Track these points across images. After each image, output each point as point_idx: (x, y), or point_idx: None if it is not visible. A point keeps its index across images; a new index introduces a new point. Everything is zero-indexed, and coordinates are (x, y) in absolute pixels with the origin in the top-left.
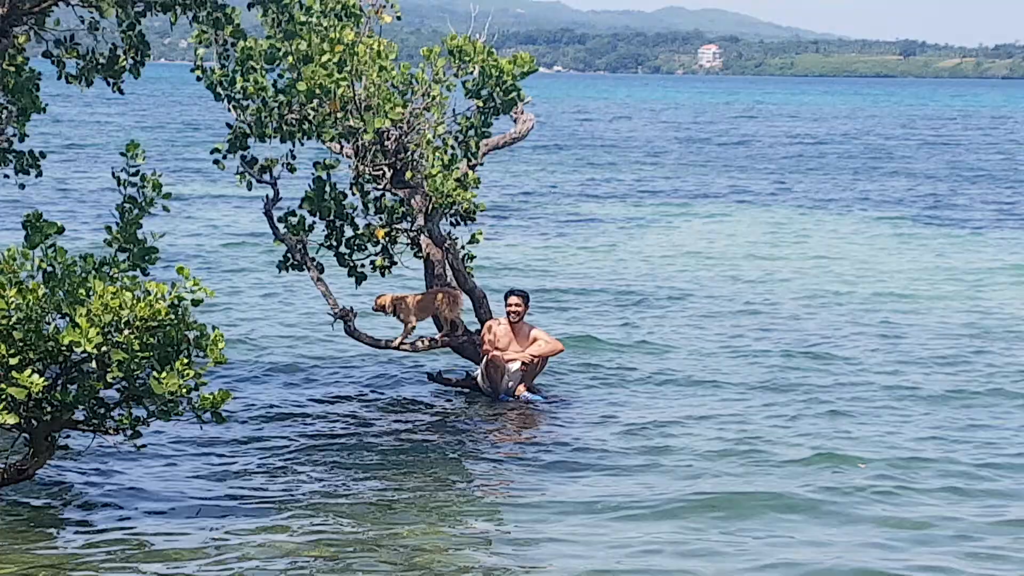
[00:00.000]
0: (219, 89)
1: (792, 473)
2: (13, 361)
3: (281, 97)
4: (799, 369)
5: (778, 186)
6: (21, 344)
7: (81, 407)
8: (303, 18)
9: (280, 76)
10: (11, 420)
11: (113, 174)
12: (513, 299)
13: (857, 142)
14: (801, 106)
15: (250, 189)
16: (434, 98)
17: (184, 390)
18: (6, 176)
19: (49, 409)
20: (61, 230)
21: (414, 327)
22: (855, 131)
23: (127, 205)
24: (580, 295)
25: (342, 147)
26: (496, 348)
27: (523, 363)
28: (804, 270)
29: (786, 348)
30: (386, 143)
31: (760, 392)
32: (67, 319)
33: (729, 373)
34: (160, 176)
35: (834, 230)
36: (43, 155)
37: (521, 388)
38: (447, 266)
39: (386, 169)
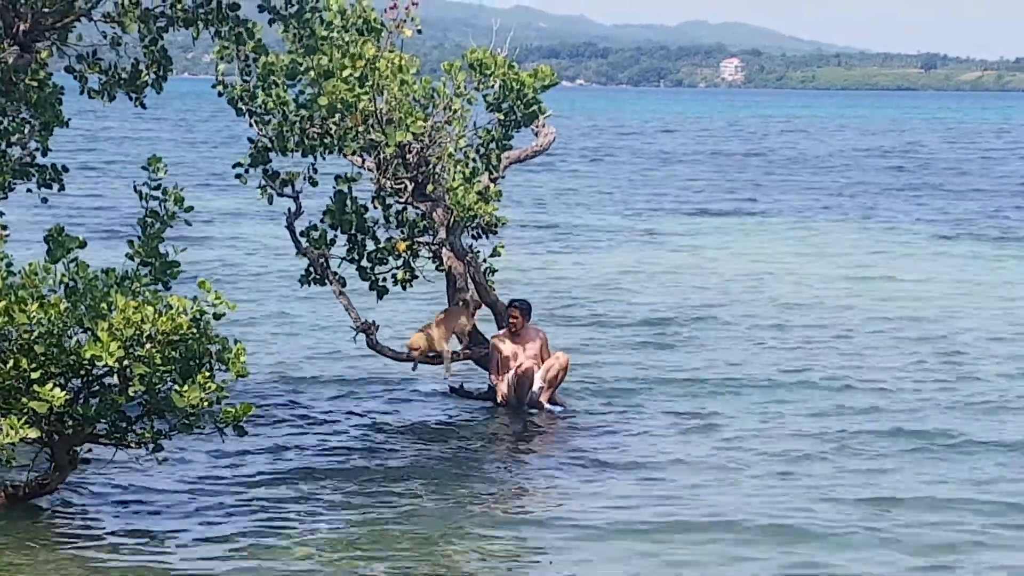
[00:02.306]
0: (240, 104)
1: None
2: (35, 375)
3: (303, 112)
4: (865, 409)
5: (855, 204)
6: (43, 358)
7: (103, 421)
8: (324, 33)
9: (301, 91)
10: (33, 434)
11: (135, 188)
12: (512, 311)
13: (913, 155)
14: (841, 119)
15: (271, 203)
16: (455, 112)
17: (206, 403)
18: (29, 190)
19: (71, 423)
20: (83, 244)
21: (450, 351)
22: (906, 145)
23: (149, 219)
24: (633, 310)
25: (363, 161)
26: (505, 360)
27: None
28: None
29: (854, 378)
30: (408, 156)
31: (810, 417)
32: (89, 333)
33: (774, 399)
34: (182, 190)
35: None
36: (65, 169)
37: (544, 398)
38: (468, 279)
39: (408, 182)
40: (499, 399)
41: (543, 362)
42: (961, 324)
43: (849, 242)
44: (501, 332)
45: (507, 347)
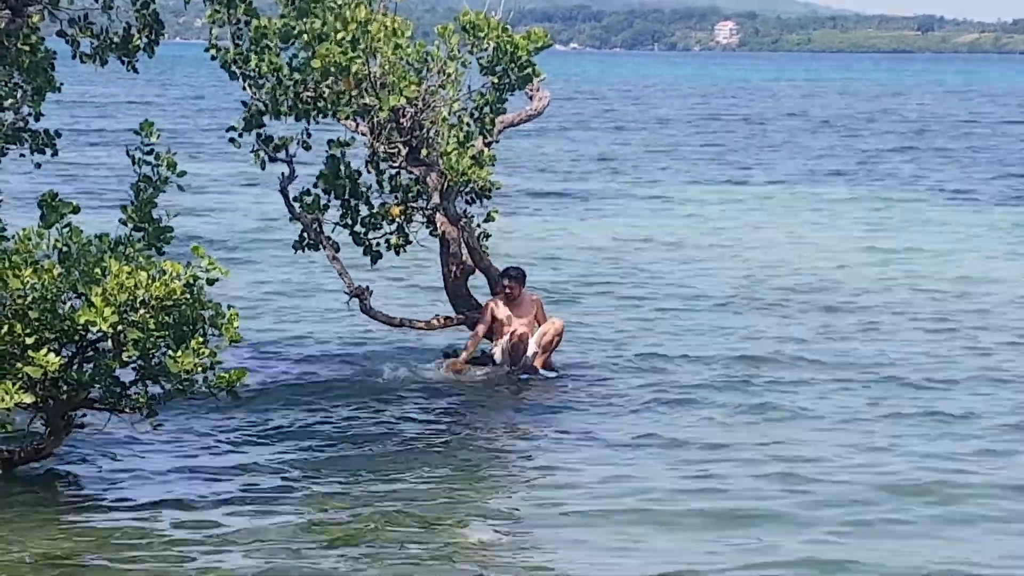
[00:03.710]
0: (234, 68)
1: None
2: (29, 340)
3: (296, 75)
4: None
5: (868, 170)
6: (37, 323)
7: (97, 386)
8: None
9: (295, 55)
10: (27, 399)
11: (128, 153)
12: (505, 281)
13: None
14: (844, 82)
15: (264, 168)
16: (449, 75)
17: (199, 368)
18: (22, 155)
19: (65, 388)
20: (77, 209)
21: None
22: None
23: (142, 184)
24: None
25: (357, 125)
26: (495, 327)
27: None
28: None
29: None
30: (401, 121)
31: (815, 385)
32: (83, 299)
33: (772, 368)
34: (174, 155)
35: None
36: (58, 134)
37: (539, 363)
38: (462, 245)
39: (401, 147)
40: (498, 359)
41: (538, 327)
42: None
43: (864, 209)
44: (496, 297)
45: (501, 312)
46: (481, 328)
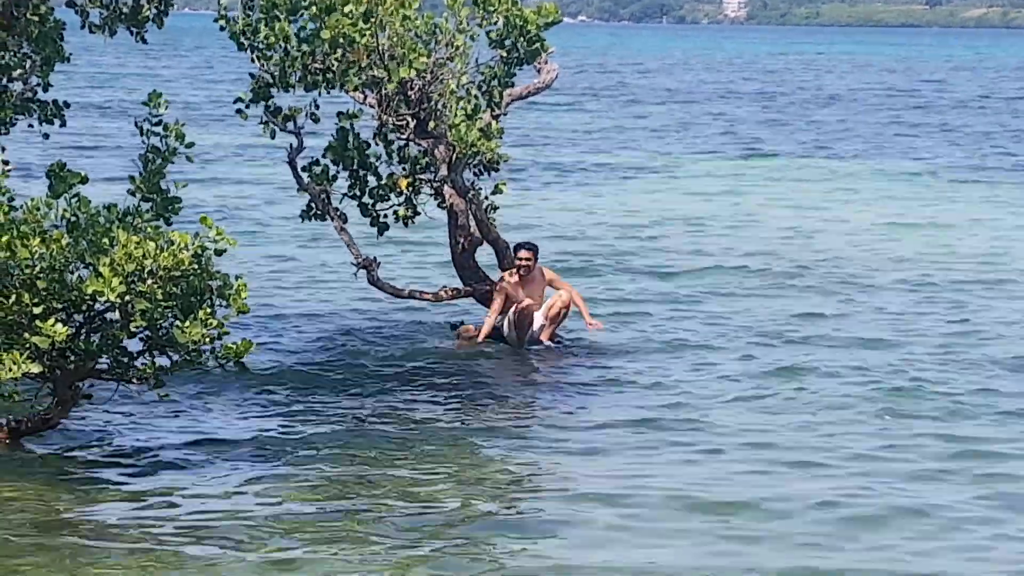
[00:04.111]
0: (242, 39)
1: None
2: (37, 310)
3: (304, 47)
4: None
5: (885, 144)
6: (45, 293)
7: (105, 356)
8: None
9: (303, 26)
10: (35, 369)
11: (136, 124)
12: (523, 253)
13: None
14: (857, 55)
15: (273, 138)
16: (458, 48)
17: (207, 339)
18: (30, 126)
19: (72, 358)
20: (85, 179)
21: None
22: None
23: (150, 155)
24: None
25: (365, 97)
26: (508, 300)
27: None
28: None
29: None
30: (410, 93)
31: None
32: (91, 268)
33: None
34: (183, 126)
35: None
36: (67, 104)
37: (545, 336)
38: (470, 217)
39: (409, 119)
40: (505, 332)
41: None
42: None
43: (883, 184)
44: (509, 272)
45: (512, 284)
46: (497, 303)
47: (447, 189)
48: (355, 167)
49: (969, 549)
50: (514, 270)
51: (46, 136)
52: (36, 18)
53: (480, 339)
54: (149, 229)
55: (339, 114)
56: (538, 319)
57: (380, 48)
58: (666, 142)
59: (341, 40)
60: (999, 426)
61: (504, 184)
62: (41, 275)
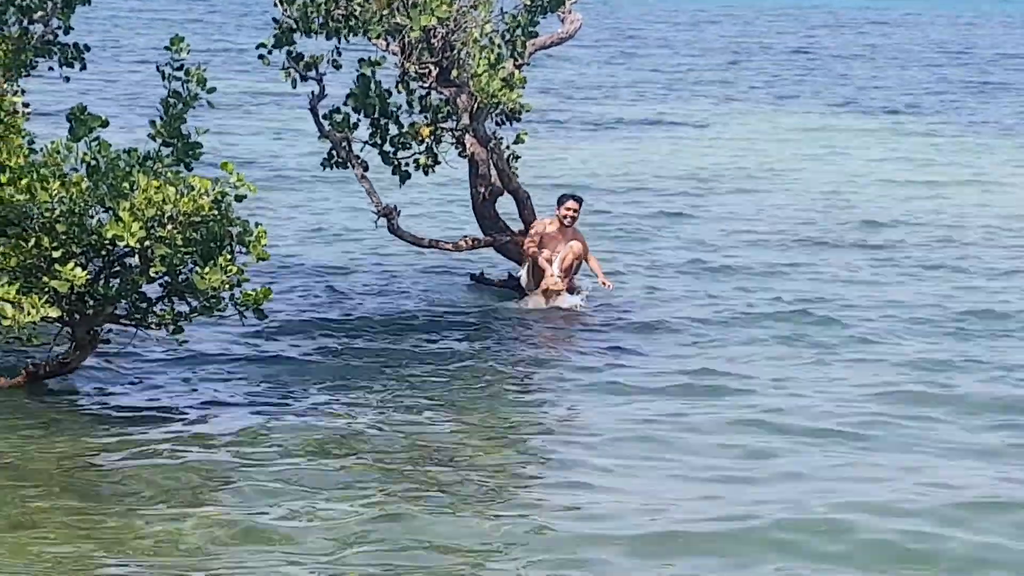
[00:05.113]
0: None
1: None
2: (56, 254)
3: None
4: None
5: (925, 103)
6: (64, 237)
7: (123, 301)
8: None
9: None
10: (54, 313)
11: (158, 68)
12: (571, 204)
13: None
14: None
15: (295, 86)
16: None
17: (226, 286)
18: (51, 68)
19: (91, 303)
20: (106, 123)
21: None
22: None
23: (171, 100)
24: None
25: (388, 44)
26: (544, 248)
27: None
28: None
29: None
30: (432, 41)
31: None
32: (110, 213)
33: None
34: (204, 70)
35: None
36: (87, 47)
37: (563, 286)
38: (491, 166)
39: (432, 67)
40: (523, 283)
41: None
42: None
43: (912, 142)
44: (551, 220)
45: (552, 232)
46: (533, 247)
47: (468, 138)
48: (376, 115)
49: None
50: (556, 219)
51: (67, 79)
52: None
53: (552, 285)
54: (169, 174)
55: (360, 61)
56: (554, 270)
57: None
58: (699, 96)
59: None
60: None
61: (525, 134)
62: (60, 219)
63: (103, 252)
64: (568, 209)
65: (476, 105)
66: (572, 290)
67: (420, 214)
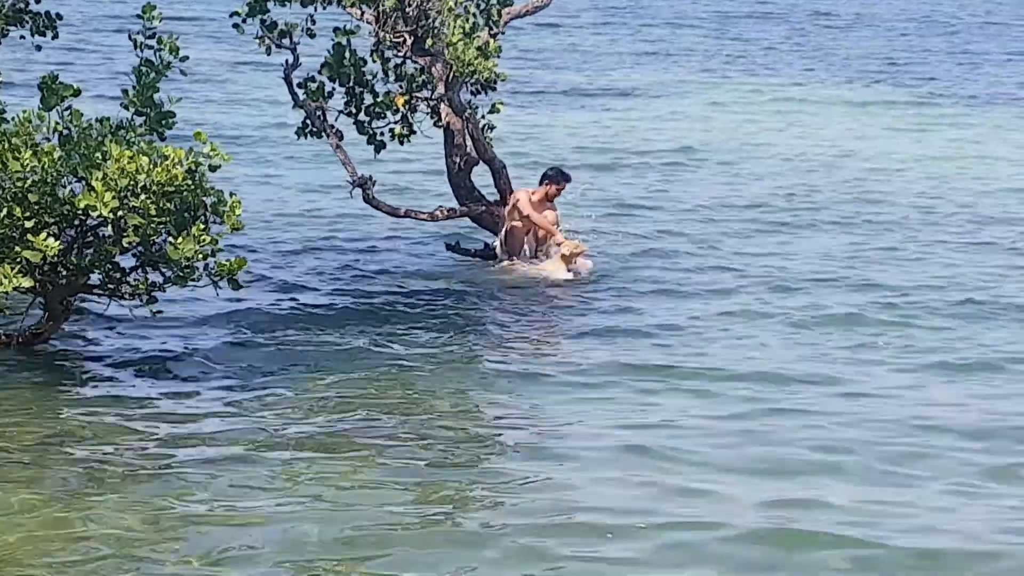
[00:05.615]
0: None
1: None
2: (28, 224)
3: None
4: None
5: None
6: (36, 207)
7: (96, 272)
8: None
9: None
10: (26, 283)
11: (130, 36)
12: (565, 184)
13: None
14: None
15: (269, 54)
16: None
17: (200, 256)
18: (22, 37)
19: (64, 273)
20: (77, 92)
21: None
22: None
23: (143, 68)
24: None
25: (363, 13)
26: (521, 219)
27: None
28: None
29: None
30: (407, 9)
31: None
32: (83, 183)
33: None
34: (177, 39)
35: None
36: (59, 16)
37: (536, 256)
38: (466, 136)
39: (407, 36)
40: (499, 252)
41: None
42: None
43: (901, 113)
44: (533, 191)
45: (535, 205)
46: (535, 214)
47: (444, 108)
48: (351, 84)
49: None
50: (545, 193)
51: (38, 48)
52: None
53: (566, 251)
54: (142, 144)
55: (335, 30)
56: (528, 242)
57: None
58: (682, 66)
59: None
60: None
61: (501, 103)
62: (33, 189)
63: (76, 222)
64: (561, 188)
65: (451, 74)
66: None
67: (397, 186)
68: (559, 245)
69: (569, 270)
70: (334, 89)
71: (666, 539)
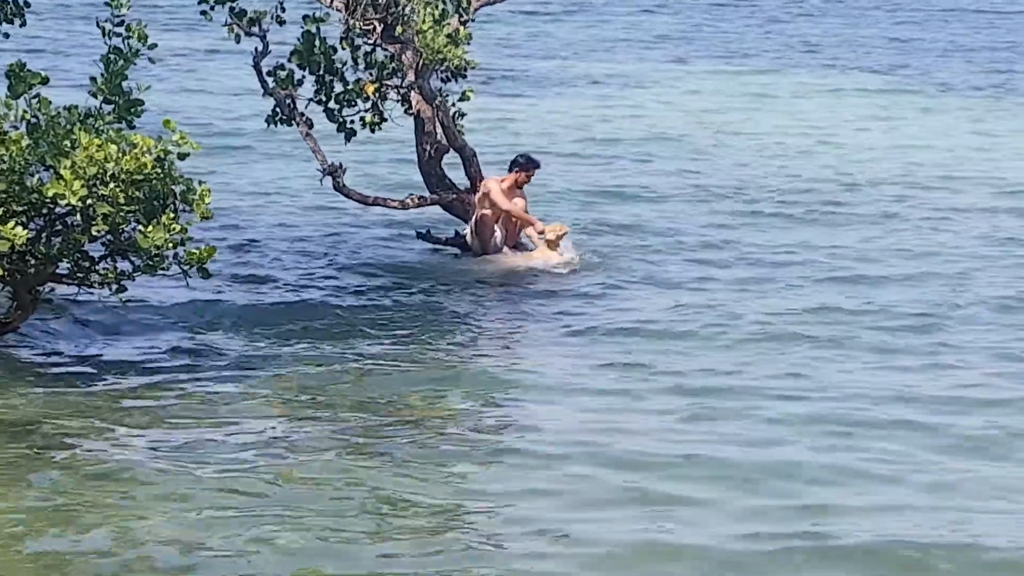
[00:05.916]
0: None
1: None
2: None
3: None
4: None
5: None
6: (4, 196)
7: (65, 260)
8: None
9: None
10: None
11: (98, 23)
12: (534, 172)
13: None
14: None
15: (238, 42)
16: None
17: (170, 244)
18: None
19: (33, 262)
20: (45, 80)
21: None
22: None
23: (112, 56)
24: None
25: (332, 0)
26: (492, 208)
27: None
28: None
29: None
30: None
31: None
32: (51, 171)
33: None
34: (145, 27)
35: None
36: (27, 4)
37: (507, 245)
38: (437, 123)
39: (377, 24)
40: (469, 240)
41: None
42: None
43: (868, 98)
44: (503, 179)
45: (505, 192)
46: (507, 202)
47: (414, 95)
48: (321, 72)
49: None
50: (515, 181)
51: (6, 35)
52: None
53: (549, 236)
54: (111, 132)
55: (305, 17)
56: (498, 229)
57: None
58: (662, 54)
59: None
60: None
61: (472, 91)
62: (0, 177)
63: (44, 211)
64: (531, 175)
65: (421, 62)
66: (518, 247)
67: (367, 174)
68: (541, 233)
69: (559, 254)
70: (304, 77)
71: (638, 540)
